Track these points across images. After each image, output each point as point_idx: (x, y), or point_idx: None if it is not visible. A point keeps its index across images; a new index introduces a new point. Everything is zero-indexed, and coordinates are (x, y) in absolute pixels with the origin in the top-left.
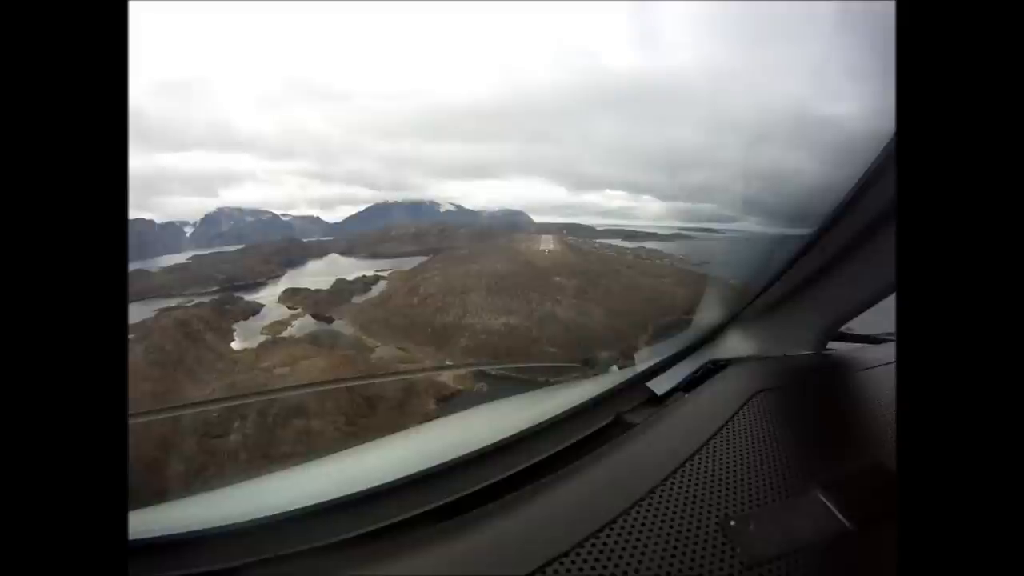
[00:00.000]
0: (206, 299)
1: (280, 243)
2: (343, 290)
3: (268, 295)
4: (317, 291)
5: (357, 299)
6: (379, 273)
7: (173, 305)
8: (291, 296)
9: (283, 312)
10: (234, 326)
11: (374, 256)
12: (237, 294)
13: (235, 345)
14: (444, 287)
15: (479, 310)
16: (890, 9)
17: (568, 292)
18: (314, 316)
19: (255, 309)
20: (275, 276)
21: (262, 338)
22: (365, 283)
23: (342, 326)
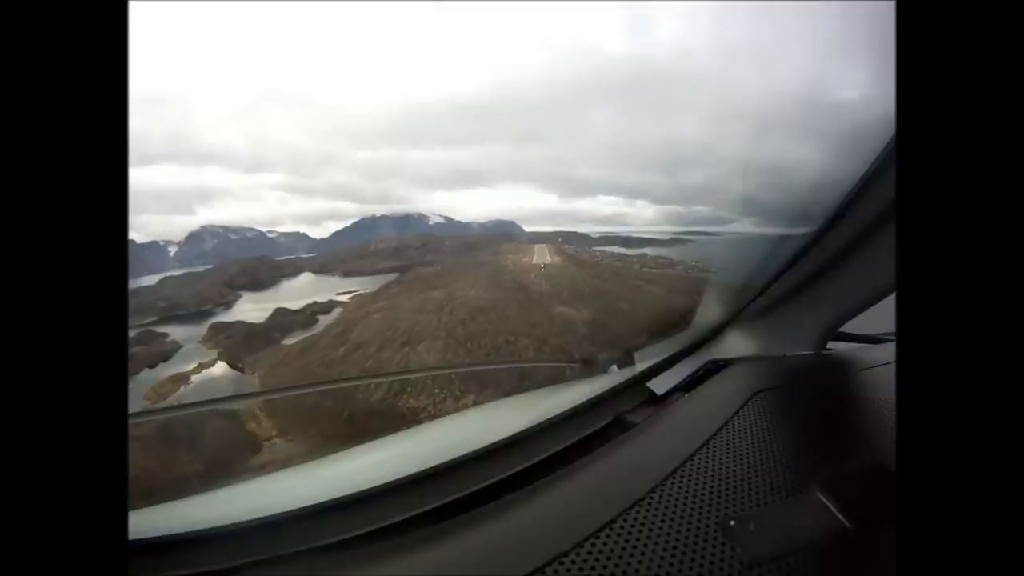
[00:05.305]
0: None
1: (248, 262)
2: (277, 325)
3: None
4: (251, 325)
5: (290, 340)
6: (337, 298)
7: None
8: (216, 334)
9: (196, 358)
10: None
11: (347, 274)
12: (163, 328)
13: None
14: (386, 330)
15: (426, 390)
16: None
17: (579, 333)
18: (229, 364)
19: (169, 352)
20: (225, 303)
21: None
22: (313, 313)
23: (250, 384)
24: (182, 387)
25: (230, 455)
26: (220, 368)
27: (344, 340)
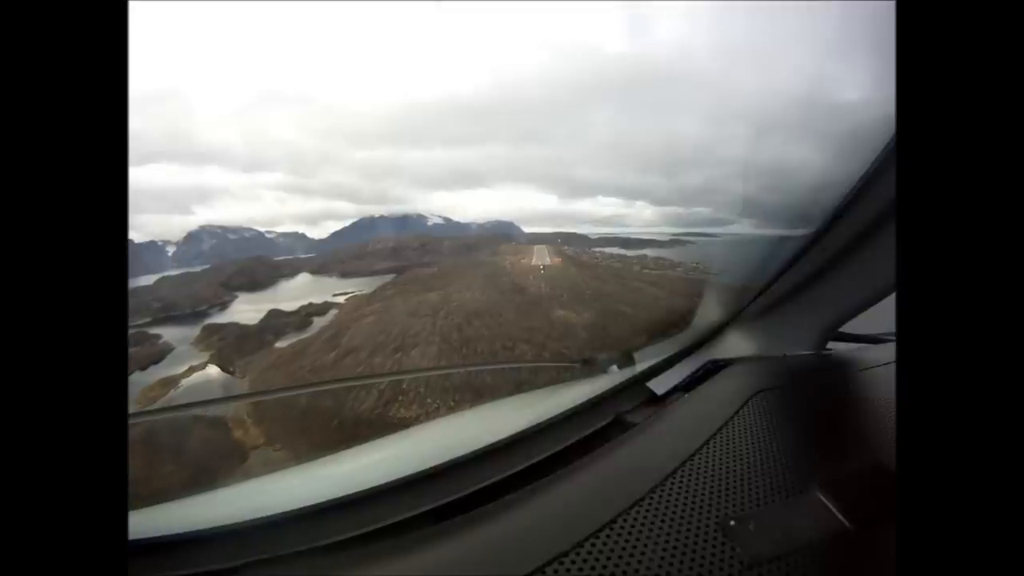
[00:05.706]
0: None
1: (245, 262)
2: (270, 327)
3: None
4: (244, 327)
5: (282, 342)
6: (332, 300)
7: None
8: (209, 335)
9: (188, 360)
10: None
11: (345, 275)
12: (157, 330)
13: None
14: (379, 335)
15: (419, 400)
16: None
17: (579, 337)
18: (220, 367)
19: (161, 354)
20: (221, 304)
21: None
22: (308, 315)
23: (240, 388)
24: (171, 391)
25: (215, 465)
26: (210, 371)
27: (336, 345)
